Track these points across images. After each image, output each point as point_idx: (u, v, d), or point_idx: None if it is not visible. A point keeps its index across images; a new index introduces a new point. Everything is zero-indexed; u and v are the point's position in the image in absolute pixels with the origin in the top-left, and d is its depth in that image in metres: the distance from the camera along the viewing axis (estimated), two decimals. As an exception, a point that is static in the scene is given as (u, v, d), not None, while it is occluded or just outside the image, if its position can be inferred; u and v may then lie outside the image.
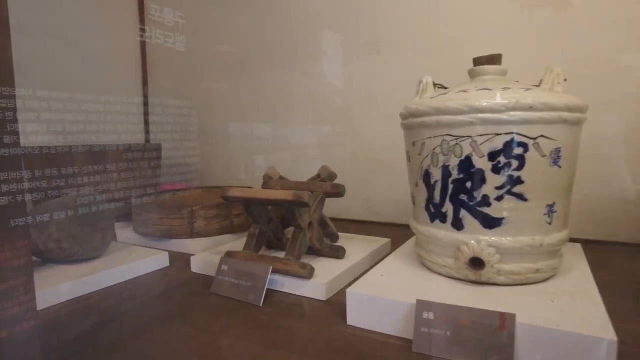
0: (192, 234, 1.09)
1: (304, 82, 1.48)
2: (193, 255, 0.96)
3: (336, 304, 0.73)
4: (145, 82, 1.73)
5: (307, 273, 0.75)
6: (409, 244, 0.91)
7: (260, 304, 0.73)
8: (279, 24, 1.52)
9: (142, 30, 1.68)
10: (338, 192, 0.83)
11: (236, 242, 1.05)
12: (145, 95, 1.73)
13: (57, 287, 0.78)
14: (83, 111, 1.59)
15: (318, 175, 1.07)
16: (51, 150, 1.21)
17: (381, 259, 0.83)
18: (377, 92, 1.34)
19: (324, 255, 0.87)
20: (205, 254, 0.95)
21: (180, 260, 0.99)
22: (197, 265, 0.93)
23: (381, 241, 1.01)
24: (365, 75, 1.35)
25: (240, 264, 0.78)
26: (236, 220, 1.15)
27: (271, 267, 0.74)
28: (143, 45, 1.72)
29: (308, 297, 0.76)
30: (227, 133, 1.75)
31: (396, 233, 1.10)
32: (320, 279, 0.76)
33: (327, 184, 0.85)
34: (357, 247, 0.95)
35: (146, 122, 1.74)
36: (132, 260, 0.92)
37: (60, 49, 1.47)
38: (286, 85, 1.52)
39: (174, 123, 1.78)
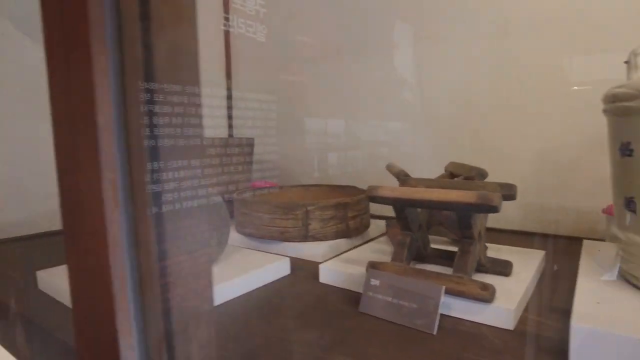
0: (307, 237, 0.96)
1: (406, 70, 1.33)
2: (308, 260, 0.84)
3: (528, 336, 0.58)
4: (229, 75, 1.64)
5: (489, 295, 0.60)
6: (587, 259, 0.73)
7: (434, 332, 0.59)
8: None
9: (226, 19, 1.59)
10: (511, 193, 0.68)
11: (359, 250, 0.92)
12: (228, 89, 1.64)
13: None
14: (168, 103, 1.51)
15: (451, 174, 0.92)
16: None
17: (541, 276, 0.67)
18: (505, 80, 1.15)
19: (486, 272, 0.72)
20: (334, 263, 0.82)
21: (300, 267, 0.87)
22: (327, 275, 0.80)
23: (536, 254, 0.84)
24: (491, 61, 1.18)
25: (396, 279, 0.65)
26: (352, 224, 1.01)
27: (444, 287, 0.60)
28: (227, 35, 1.63)
29: (488, 325, 0.61)
30: (312, 129, 1.63)
31: (526, 242, 0.93)
32: (503, 303, 0.61)
33: (495, 184, 0.70)
34: (513, 260, 0.79)
35: (229, 117, 1.65)
36: (253, 267, 0.80)
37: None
38: (385, 74, 1.37)
39: (254, 118, 1.68)
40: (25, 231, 1.14)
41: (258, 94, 1.63)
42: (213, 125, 1.60)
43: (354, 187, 1.22)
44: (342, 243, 0.99)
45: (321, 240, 0.98)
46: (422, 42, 1.28)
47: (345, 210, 1.00)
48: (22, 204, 1.12)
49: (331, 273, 0.80)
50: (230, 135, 1.61)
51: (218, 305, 0.70)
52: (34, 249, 1.05)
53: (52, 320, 0.67)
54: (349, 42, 1.41)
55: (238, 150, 1.25)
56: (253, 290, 0.76)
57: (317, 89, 1.53)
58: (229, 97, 1.64)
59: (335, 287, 0.77)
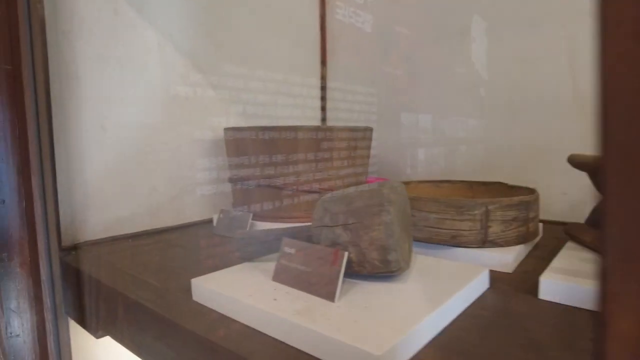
0: (485, 242, 0.73)
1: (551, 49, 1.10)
2: (493, 270, 0.61)
3: None
4: (324, 62, 1.45)
5: None
6: None
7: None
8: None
9: (323, 2, 1.42)
10: None
11: (560, 257, 0.67)
12: (323, 77, 1.45)
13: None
14: (259, 91, 1.34)
15: None
16: (267, 133, 0.94)
17: None
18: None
19: None
20: (558, 275, 0.59)
21: (496, 280, 0.63)
22: (551, 290, 0.56)
23: None
24: None
25: None
26: (531, 226, 0.78)
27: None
28: (323, 19, 1.45)
29: None
30: (418, 123, 1.41)
31: None
32: None
33: None
34: None
35: (323, 109, 1.45)
36: (453, 280, 0.57)
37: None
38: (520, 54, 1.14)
39: (349, 110, 1.48)
40: (132, 229, 0.97)
41: (357, 85, 1.44)
42: (303, 117, 1.41)
43: (501, 184, 0.98)
44: (521, 249, 0.75)
45: (501, 245, 0.74)
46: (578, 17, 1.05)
47: (527, 211, 0.76)
48: (127, 198, 0.94)
49: (557, 289, 0.56)
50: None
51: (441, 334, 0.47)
52: (151, 249, 0.86)
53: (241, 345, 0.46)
54: (477, 20, 1.19)
55: (363, 142, 1.04)
56: (466, 310, 0.53)
57: (424, 78, 1.31)
58: (323, 87, 1.45)
59: (562, 305, 0.53)
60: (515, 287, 0.61)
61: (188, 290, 0.60)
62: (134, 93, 0.96)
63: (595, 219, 0.77)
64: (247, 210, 1.00)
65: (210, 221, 1.10)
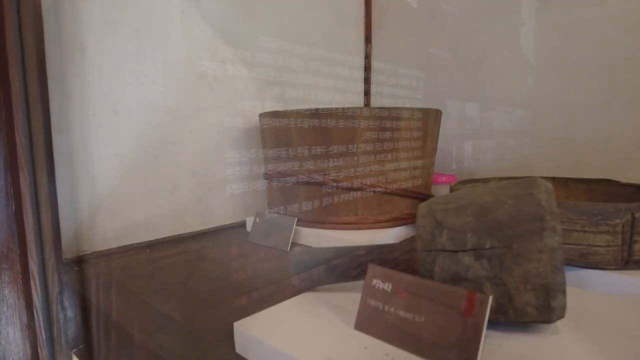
0: (629, 262, 0.53)
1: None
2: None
3: None
4: (368, 39, 1.25)
5: None
6: None
7: None
8: None
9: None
10: None
11: None
12: (367, 57, 1.25)
13: None
14: (298, 71, 1.13)
15: None
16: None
17: None
18: None
19: None
20: None
21: None
22: None
23: None
24: None
25: None
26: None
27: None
28: (368, -11, 1.24)
29: None
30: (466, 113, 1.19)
31: None
32: None
33: None
34: None
35: (366, 93, 1.25)
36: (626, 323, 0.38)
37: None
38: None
39: (393, 95, 1.28)
40: (150, 235, 0.79)
41: (401, 66, 1.23)
42: (345, 101, 1.22)
43: (609, 181, 0.77)
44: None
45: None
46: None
47: (681, 216, 0.55)
48: (144, 199, 0.77)
49: None
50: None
51: None
52: (175, 263, 0.68)
53: None
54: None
55: (434, 128, 0.84)
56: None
57: (476, 62, 1.09)
58: (367, 68, 1.24)
59: None
60: None
61: (228, 334, 0.42)
62: (152, 69, 0.77)
63: None
64: (287, 213, 0.81)
65: (242, 225, 0.92)
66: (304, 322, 0.41)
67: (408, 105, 1.23)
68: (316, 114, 0.75)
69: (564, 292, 0.33)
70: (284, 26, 1.03)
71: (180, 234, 0.84)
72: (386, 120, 0.74)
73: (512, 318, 0.35)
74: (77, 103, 0.69)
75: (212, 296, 0.54)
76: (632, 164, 0.85)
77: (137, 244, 0.77)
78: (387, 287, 0.38)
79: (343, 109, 0.74)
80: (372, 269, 0.40)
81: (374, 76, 1.25)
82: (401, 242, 0.45)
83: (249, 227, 0.88)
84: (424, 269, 0.38)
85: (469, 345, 0.32)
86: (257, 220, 0.82)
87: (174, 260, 0.70)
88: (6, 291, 0.62)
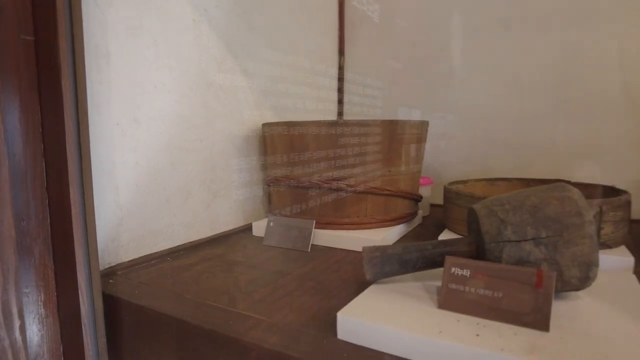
0: (598, 244, 0.69)
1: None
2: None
3: None
4: (341, 51, 1.34)
5: None
6: None
7: None
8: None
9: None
10: None
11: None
12: (340, 68, 1.34)
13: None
14: (291, 81, 1.18)
15: None
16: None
17: None
18: None
19: None
20: None
21: None
22: None
23: None
24: None
25: None
26: (630, 227, 0.75)
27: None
28: (342, 6, 1.33)
29: None
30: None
31: None
32: None
33: None
34: None
35: (340, 102, 1.34)
36: (627, 291, 0.51)
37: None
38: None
39: (362, 104, 1.39)
40: (167, 244, 0.79)
41: (369, 77, 1.35)
42: (326, 110, 1.30)
43: (562, 181, 0.95)
44: (625, 251, 0.72)
45: (611, 247, 0.70)
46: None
47: (628, 211, 0.73)
48: (162, 207, 0.76)
49: None
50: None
51: None
52: (209, 269, 0.70)
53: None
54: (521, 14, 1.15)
55: (423, 136, 0.95)
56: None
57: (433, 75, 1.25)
58: (341, 79, 1.34)
59: None
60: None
61: (321, 326, 0.48)
62: (169, 78, 0.78)
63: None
64: (299, 216, 0.87)
65: (245, 229, 0.96)
66: (394, 306, 0.49)
67: (376, 113, 1.35)
68: (321, 123, 0.82)
69: (597, 266, 0.46)
70: (277, 38, 1.08)
71: (193, 241, 0.85)
72: (394, 131, 0.84)
73: (558, 289, 0.47)
74: (104, 111, 0.68)
75: (274, 297, 0.59)
76: (574, 166, 1.06)
77: (156, 253, 0.78)
78: (466, 272, 0.48)
79: (349, 121, 0.82)
80: (450, 259, 0.49)
81: (346, 86, 1.35)
82: (458, 238, 0.54)
83: (255, 231, 0.92)
84: (493, 256, 0.48)
85: (543, 309, 0.43)
86: (271, 224, 0.86)
87: (205, 267, 0.72)
88: (42, 311, 0.60)
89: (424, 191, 1.05)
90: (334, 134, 0.82)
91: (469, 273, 0.47)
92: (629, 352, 0.39)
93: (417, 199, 0.94)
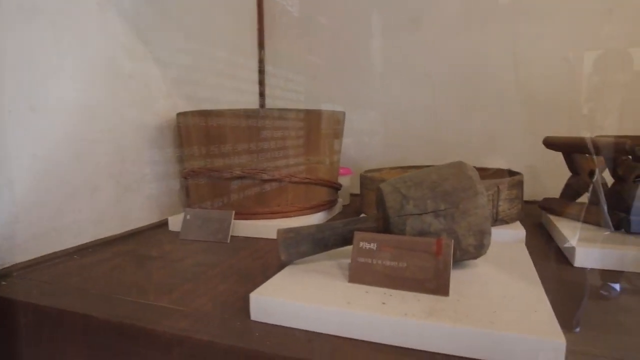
0: (497, 220, 0.75)
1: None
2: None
3: None
4: (261, 44, 1.34)
5: None
6: None
7: None
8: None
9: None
10: None
11: (565, 226, 0.74)
12: (261, 61, 1.34)
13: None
14: (207, 71, 1.14)
15: None
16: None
17: None
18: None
19: None
20: (592, 244, 0.64)
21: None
22: (589, 259, 0.61)
23: None
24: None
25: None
26: (521, 204, 0.84)
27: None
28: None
29: None
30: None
31: None
32: None
33: None
34: None
35: (261, 94, 1.34)
36: (514, 256, 0.57)
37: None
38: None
39: (283, 98, 1.40)
40: (73, 242, 0.73)
41: (290, 71, 1.36)
42: (246, 102, 1.29)
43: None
44: (519, 226, 0.80)
45: (507, 222, 0.78)
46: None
47: (521, 190, 0.81)
48: (66, 202, 0.70)
49: (594, 256, 0.61)
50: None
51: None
52: (121, 264, 0.65)
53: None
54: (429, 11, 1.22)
55: (341, 127, 0.98)
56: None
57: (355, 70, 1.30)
58: (261, 71, 1.33)
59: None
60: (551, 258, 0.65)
61: (237, 310, 0.48)
62: (70, 63, 0.73)
63: (570, 193, 0.87)
64: (218, 208, 0.86)
65: (162, 225, 0.92)
66: (306, 284, 0.50)
67: (298, 106, 1.36)
68: (248, 113, 0.81)
69: (490, 234, 0.50)
70: (192, 27, 1.05)
71: (103, 238, 0.80)
72: (312, 120, 0.86)
73: (458, 257, 0.51)
74: (-9, 98, 0.61)
75: (186, 286, 0.58)
76: (480, 154, 1.15)
77: (62, 251, 0.72)
78: (373, 246, 0.50)
79: (269, 110, 0.83)
80: (358, 234, 0.51)
81: (267, 79, 1.35)
82: (367, 215, 0.57)
83: (172, 226, 0.89)
84: (398, 230, 0.51)
85: (443, 275, 0.46)
86: (188, 217, 0.84)
87: (116, 263, 0.68)
88: None
89: (344, 181, 1.08)
90: (252, 123, 0.81)
91: (375, 246, 0.50)
92: (514, 308, 0.43)
93: (336, 187, 0.97)
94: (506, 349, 0.38)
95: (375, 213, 0.57)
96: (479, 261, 0.56)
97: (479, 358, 0.38)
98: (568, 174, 0.88)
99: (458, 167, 0.53)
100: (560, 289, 0.54)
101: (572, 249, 0.63)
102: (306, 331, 0.44)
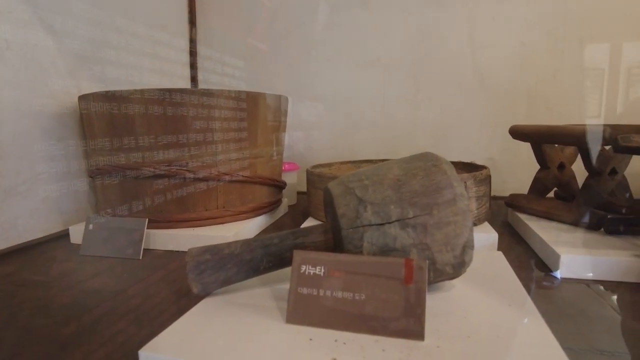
0: (467, 223, 0.65)
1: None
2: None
3: None
4: (192, 22, 1.15)
5: None
6: None
7: None
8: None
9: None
10: None
11: (540, 228, 0.64)
12: (192, 41, 1.15)
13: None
14: (119, 47, 0.93)
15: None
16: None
17: None
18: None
19: None
20: (579, 252, 0.54)
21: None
22: (576, 268, 0.51)
23: None
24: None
25: None
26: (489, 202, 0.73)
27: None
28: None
29: None
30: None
31: None
32: None
33: None
34: None
35: (193, 80, 1.16)
36: (499, 276, 0.45)
37: None
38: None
39: (223, 85, 1.22)
40: None
41: (228, 55, 1.20)
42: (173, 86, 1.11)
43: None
44: (488, 227, 0.69)
45: (476, 224, 0.67)
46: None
47: (489, 186, 0.71)
48: None
49: (581, 263, 0.52)
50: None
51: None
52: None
53: None
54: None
55: (282, 115, 0.83)
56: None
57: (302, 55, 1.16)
58: (193, 53, 1.15)
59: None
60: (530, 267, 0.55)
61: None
62: None
63: (538, 188, 0.78)
64: (129, 214, 0.68)
65: (61, 236, 0.73)
66: (224, 329, 0.35)
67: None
68: (165, 95, 0.65)
69: (473, 248, 0.38)
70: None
71: (-30, 259, 0.61)
72: (247, 105, 0.70)
73: (431, 279, 0.39)
74: None
75: (70, 335, 0.41)
76: (438, 145, 1.05)
77: None
78: (319, 270, 0.36)
79: (194, 89, 0.66)
80: (299, 254, 0.37)
81: (200, 62, 1.17)
82: (312, 225, 0.43)
83: (74, 238, 0.71)
84: (352, 245, 0.38)
85: (415, 310, 0.34)
86: (91, 227, 0.66)
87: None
88: None
89: (289, 177, 0.94)
90: (171, 108, 0.65)
91: (323, 271, 0.36)
92: (516, 356, 0.31)
93: (279, 185, 0.83)
94: None
95: (322, 224, 0.43)
96: (454, 280, 0.44)
97: None
98: (531, 166, 0.80)
99: (428, 159, 0.41)
100: (560, 316, 0.43)
101: (557, 255, 0.53)
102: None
